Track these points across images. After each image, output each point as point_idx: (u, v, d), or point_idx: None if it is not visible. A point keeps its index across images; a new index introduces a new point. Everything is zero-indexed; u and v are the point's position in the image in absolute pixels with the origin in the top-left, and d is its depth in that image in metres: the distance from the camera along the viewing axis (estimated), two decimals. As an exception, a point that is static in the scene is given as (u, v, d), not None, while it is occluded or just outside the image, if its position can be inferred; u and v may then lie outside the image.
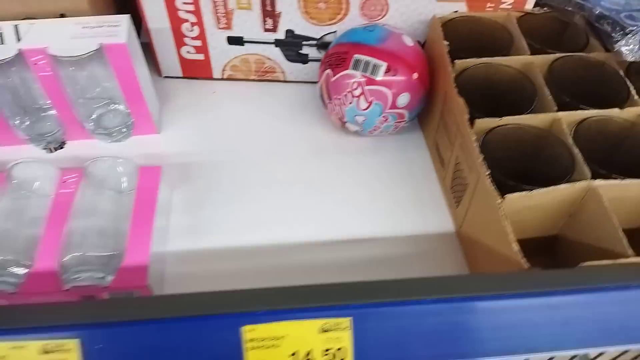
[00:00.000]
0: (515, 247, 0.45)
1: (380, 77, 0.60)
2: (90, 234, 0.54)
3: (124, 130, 0.67)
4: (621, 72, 0.59)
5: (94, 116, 0.66)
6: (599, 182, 0.48)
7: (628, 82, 0.57)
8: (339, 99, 0.62)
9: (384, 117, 0.62)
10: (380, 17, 0.67)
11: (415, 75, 0.61)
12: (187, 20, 0.68)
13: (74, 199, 0.56)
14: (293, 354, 0.39)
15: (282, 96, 0.74)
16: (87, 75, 0.61)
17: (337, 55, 0.62)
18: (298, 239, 0.59)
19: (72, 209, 0.55)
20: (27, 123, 0.66)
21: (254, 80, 0.76)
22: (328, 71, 0.63)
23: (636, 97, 0.57)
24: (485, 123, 0.54)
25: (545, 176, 0.50)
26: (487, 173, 0.49)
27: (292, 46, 0.71)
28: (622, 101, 0.56)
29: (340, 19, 0.67)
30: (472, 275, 0.55)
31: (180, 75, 0.75)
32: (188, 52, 0.72)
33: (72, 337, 0.37)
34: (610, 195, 0.48)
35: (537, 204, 0.50)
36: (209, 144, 0.69)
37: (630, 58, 0.54)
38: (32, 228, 0.54)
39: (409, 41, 0.62)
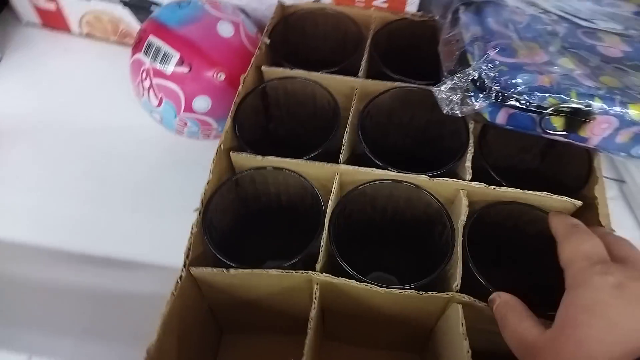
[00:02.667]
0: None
1: (170, 70, 0.47)
2: None
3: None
4: (471, 126, 0.42)
5: None
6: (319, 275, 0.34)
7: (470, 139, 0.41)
8: (136, 88, 0.51)
9: (181, 120, 0.50)
10: (229, -8, 0.54)
11: (220, 76, 0.48)
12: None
13: None
14: None
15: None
16: None
17: (138, 34, 0.50)
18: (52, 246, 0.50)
19: None
20: None
21: (114, 42, 0.66)
22: (130, 50, 0.51)
23: (468, 164, 0.40)
24: (243, 160, 0.41)
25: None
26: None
27: (141, 10, 0.60)
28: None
29: (184, -14, 0.55)
30: None
31: (39, 24, 0.67)
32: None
33: None
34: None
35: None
36: (32, 105, 0.61)
37: (451, 111, 0.37)
38: None
39: (226, 31, 0.49)
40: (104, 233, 0.50)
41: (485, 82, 0.37)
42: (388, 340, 0.44)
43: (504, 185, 0.39)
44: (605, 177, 0.58)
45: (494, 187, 0.39)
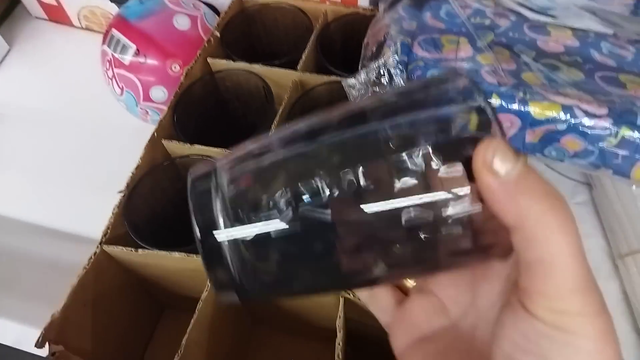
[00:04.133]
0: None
1: (127, 60, 0.50)
2: None
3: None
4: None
5: None
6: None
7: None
8: (104, 77, 0.54)
9: (142, 109, 0.53)
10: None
11: (174, 66, 0.50)
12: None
13: None
14: None
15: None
16: None
17: (107, 26, 0.53)
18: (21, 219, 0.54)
19: None
20: None
21: (110, 35, 0.70)
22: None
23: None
24: (174, 147, 0.43)
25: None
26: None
27: (122, 2, 0.63)
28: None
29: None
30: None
31: (46, 17, 0.72)
32: (41, -6, 0.68)
33: None
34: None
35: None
36: (35, 95, 0.66)
37: (352, 94, 0.37)
38: None
39: (182, 23, 0.51)
40: (74, 210, 0.54)
41: (393, 76, 0.37)
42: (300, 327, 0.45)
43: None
44: (575, 180, 0.55)
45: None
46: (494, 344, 0.20)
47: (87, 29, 0.70)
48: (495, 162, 0.17)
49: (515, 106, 0.34)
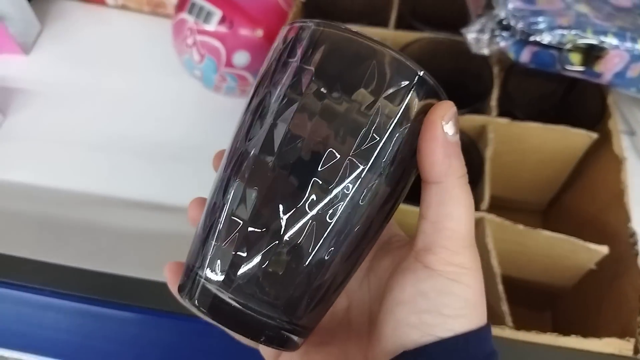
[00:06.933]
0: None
1: (212, 27, 0.51)
2: None
3: (-13, 46, 0.64)
4: (496, 70, 0.45)
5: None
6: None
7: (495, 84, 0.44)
8: (179, 46, 0.55)
9: (220, 75, 0.54)
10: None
11: (258, 32, 0.52)
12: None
13: None
14: None
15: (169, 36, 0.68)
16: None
17: (182, -5, 0.54)
18: (103, 194, 0.54)
19: None
20: None
21: (147, 13, 0.69)
22: (173, 13, 0.55)
23: (493, 103, 0.44)
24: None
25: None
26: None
27: (175, -19, 0.63)
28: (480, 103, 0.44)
29: (218, -44, 0.58)
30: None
31: (76, -4, 0.71)
32: (77, -28, 0.67)
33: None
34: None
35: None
36: (72, 75, 0.64)
37: (480, 50, 0.41)
38: None
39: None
40: (141, 181, 0.54)
41: (510, 23, 0.41)
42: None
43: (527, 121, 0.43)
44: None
45: (518, 122, 0.43)
46: (381, 318, 0.22)
47: (123, 7, 0.70)
48: (449, 122, 0.20)
49: (627, 44, 0.39)
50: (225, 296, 0.20)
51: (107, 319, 0.38)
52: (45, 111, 0.61)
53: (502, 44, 0.40)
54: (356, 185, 0.20)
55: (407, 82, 0.20)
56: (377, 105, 0.20)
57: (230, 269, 0.20)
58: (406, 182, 0.22)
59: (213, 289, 0.21)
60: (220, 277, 0.20)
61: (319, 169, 0.20)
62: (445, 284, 0.20)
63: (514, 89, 0.45)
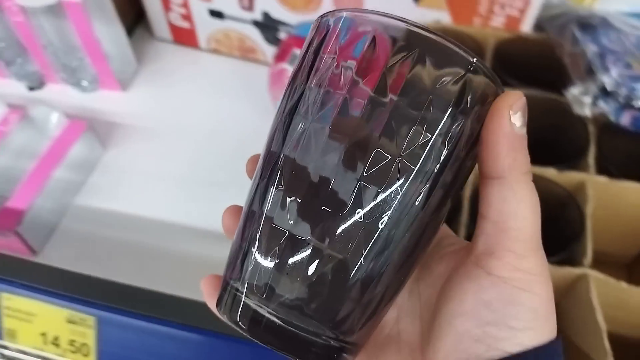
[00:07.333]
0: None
1: (312, 76, 0.54)
2: (0, 171, 0.57)
3: (91, 82, 0.69)
4: (591, 128, 0.47)
5: (71, 65, 0.69)
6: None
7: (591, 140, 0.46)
8: (275, 93, 0.58)
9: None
10: (355, 13, 0.61)
11: (355, 83, 0.55)
12: (170, -14, 0.68)
13: (5, 135, 0.59)
14: (43, 334, 0.38)
15: (259, 80, 0.71)
16: (53, 27, 0.63)
17: (281, 46, 0.58)
18: (193, 225, 0.57)
19: (-1, 143, 0.58)
20: (19, 60, 0.71)
21: (237, 57, 0.74)
22: (271, 62, 0.59)
23: (591, 160, 0.45)
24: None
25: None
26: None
27: (269, 29, 0.68)
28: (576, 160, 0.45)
29: (313, 9, 0.62)
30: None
31: (171, 39, 0.76)
32: (175, 18, 0.72)
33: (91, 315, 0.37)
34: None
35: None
36: (165, 112, 0.68)
37: (582, 111, 0.43)
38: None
39: (361, 44, 0.56)
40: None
41: (612, 89, 0.42)
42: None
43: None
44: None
45: (616, 180, 0.44)
46: (437, 330, 0.20)
47: (214, 50, 0.74)
48: (517, 112, 0.18)
49: None
50: (265, 311, 0.19)
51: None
52: (140, 145, 0.65)
53: (605, 107, 0.42)
54: (406, 188, 0.18)
55: (460, 72, 0.18)
56: (427, 99, 0.18)
57: (271, 282, 0.19)
58: (460, 183, 0.20)
59: (252, 304, 0.19)
60: (259, 291, 0.19)
61: (365, 172, 0.18)
62: (512, 293, 0.18)
63: (609, 147, 0.47)
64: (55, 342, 0.37)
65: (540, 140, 0.53)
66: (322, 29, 0.20)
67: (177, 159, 0.63)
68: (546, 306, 0.19)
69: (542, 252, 0.19)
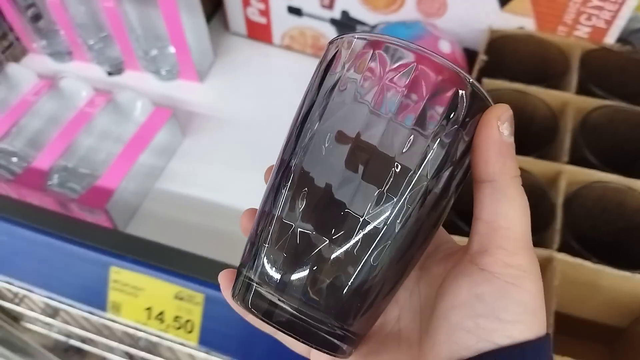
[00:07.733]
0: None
1: (397, 77, 0.55)
2: (86, 151, 0.59)
3: (170, 72, 0.71)
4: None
5: (151, 53, 0.71)
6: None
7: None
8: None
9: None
10: (436, 17, 0.62)
11: (438, 85, 0.56)
12: (252, -18, 0.69)
13: (91, 117, 0.62)
14: (148, 309, 0.40)
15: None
16: (140, 14, 0.66)
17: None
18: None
19: (85, 125, 0.61)
20: (100, 46, 0.74)
21: (309, 54, 0.75)
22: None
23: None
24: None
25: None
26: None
27: (346, 28, 0.69)
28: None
29: (395, 10, 0.64)
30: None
31: (245, 34, 0.78)
32: (253, 13, 0.74)
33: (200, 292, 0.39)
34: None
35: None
36: (241, 104, 0.70)
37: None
38: (50, 132, 0.62)
39: (446, 47, 0.57)
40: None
41: None
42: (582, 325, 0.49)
43: None
44: None
45: None
46: (434, 324, 0.22)
47: (287, 47, 0.76)
48: (505, 123, 0.20)
49: None
50: (275, 299, 0.21)
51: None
52: (215, 134, 0.67)
53: None
54: (405, 190, 0.20)
55: (453, 88, 0.20)
56: (423, 109, 0.20)
57: (281, 273, 0.21)
58: (455, 187, 0.22)
59: (264, 291, 0.21)
60: (271, 280, 0.21)
61: (365, 174, 0.20)
62: (503, 287, 0.20)
63: None
64: (160, 318, 0.39)
65: (624, 153, 0.53)
66: (333, 49, 0.23)
67: (250, 149, 0.65)
68: (535, 302, 0.20)
69: (532, 251, 0.21)
